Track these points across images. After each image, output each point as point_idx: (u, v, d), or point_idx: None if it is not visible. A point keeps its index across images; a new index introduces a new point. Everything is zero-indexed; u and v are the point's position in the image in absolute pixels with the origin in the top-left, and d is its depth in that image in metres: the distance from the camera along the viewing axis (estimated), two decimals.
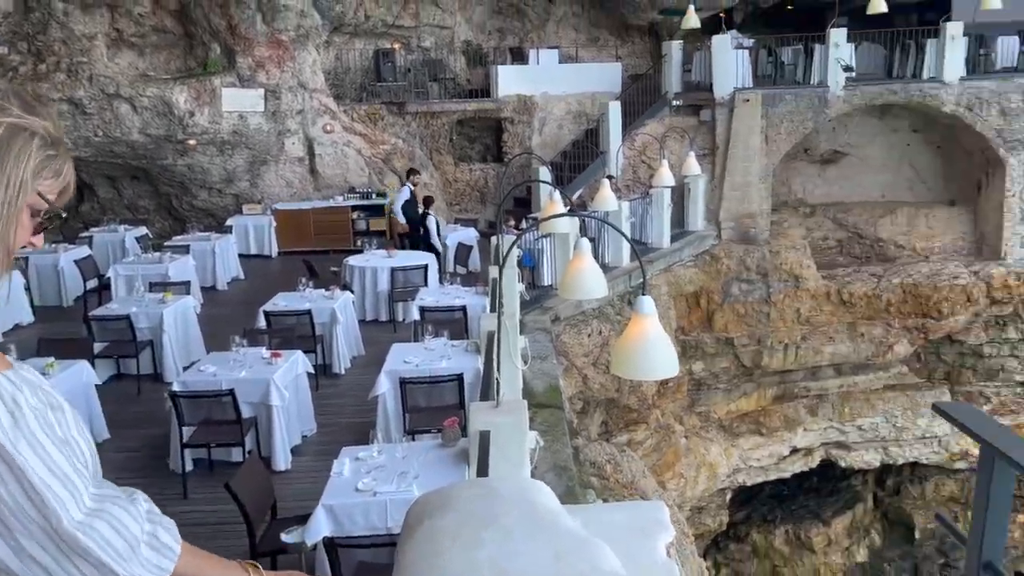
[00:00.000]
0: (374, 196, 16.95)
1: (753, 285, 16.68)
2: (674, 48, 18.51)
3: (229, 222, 16.00)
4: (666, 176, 14.95)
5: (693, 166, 15.78)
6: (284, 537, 5.22)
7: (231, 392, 7.08)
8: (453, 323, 9.66)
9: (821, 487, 18.90)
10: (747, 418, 17.27)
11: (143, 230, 15.26)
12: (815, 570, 17.75)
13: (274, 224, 16.22)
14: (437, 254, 13.62)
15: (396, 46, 19.18)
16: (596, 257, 7.03)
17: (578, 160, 18.39)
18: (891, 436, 17.63)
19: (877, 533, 18.94)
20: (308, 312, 9.63)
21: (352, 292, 11.38)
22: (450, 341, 8.47)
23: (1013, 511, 16.66)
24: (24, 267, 12.35)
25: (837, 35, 17.03)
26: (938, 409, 2.24)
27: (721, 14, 19.67)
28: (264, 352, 8.06)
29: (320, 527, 5.11)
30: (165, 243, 14.51)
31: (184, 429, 7.14)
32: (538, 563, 1.17)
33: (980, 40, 17.79)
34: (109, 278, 12.32)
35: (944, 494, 18.79)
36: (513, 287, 8.41)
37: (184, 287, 11.46)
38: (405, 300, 11.51)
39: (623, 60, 20.96)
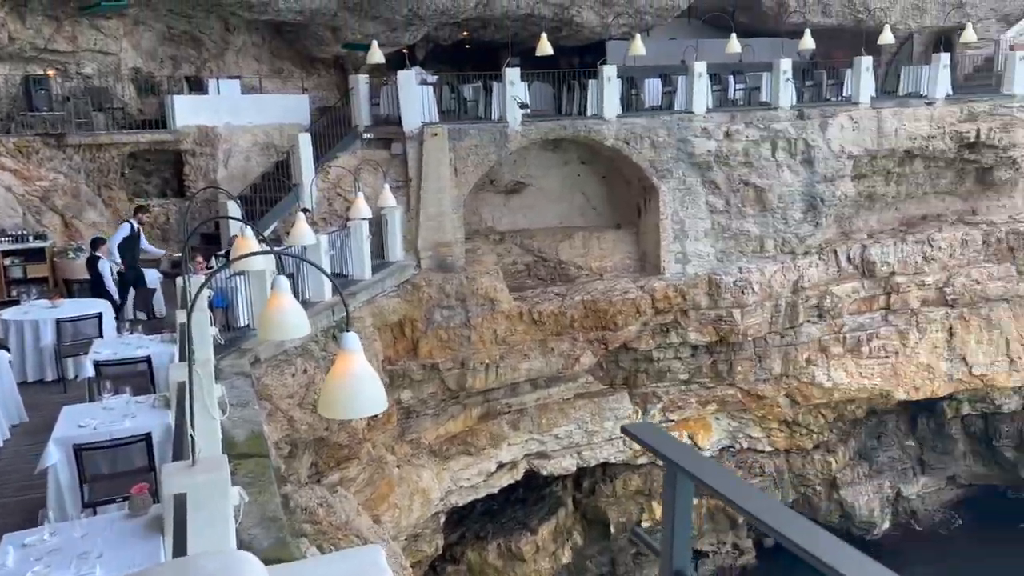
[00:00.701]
0: (31, 239, 14.93)
1: (453, 311, 17.25)
2: (360, 82, 18.66)
3: None
4: (362, 208, 15.06)
5: (389, 198, 16.02)
6: None
7: None
8: (136, 377, 8.75)
9: (527, 497, 19.98)
10: (456, 440, 17.75)
11: None
12: None
13: None
14: (113, 301, 12.33)
15: (51, 72, 17.14)
16: (296, 293, 6.79)
17: (270, 193, 17.75)
18: (584, 441, 19.15)
19: (579, 533, 20.42)
20: None
21: (8, 350, 9.86)
22: (134, 397, 7.67)
23: None
24: None
25: (512, 74, 18.31)
26: (626, 431, 2.40)
27: (404, 50, 20.25)
28: None
29: None
30: None
31: None
32: None
33: (631, 82, 20.20)
34: None
35: (632, 488, 20.78)
36: (205, 331, 7.84)
37: None
38: (76, 355, 10.23)
39: (310, 92, 20.69)
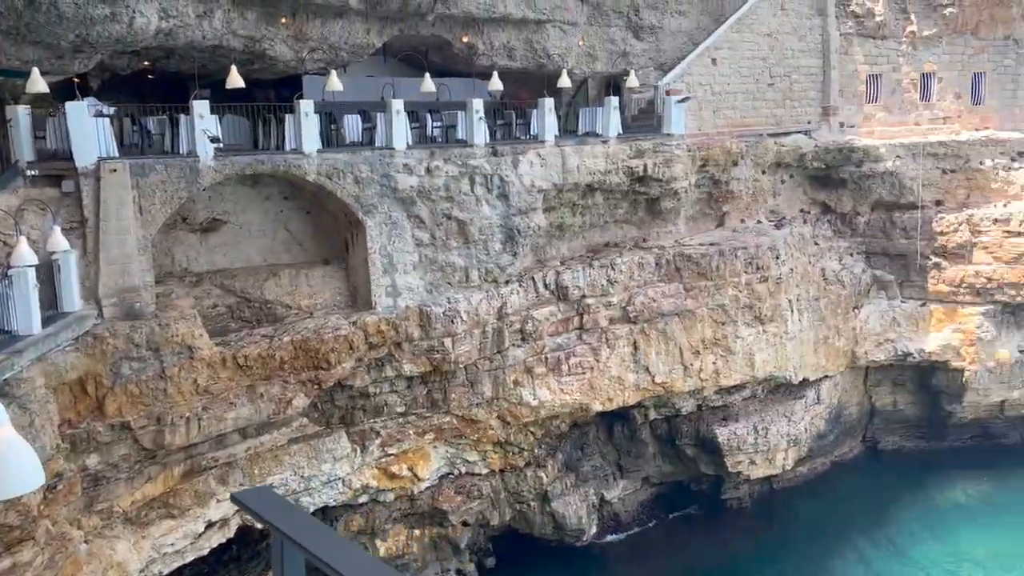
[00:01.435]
0: None
1: (145, 362, 15.77)
2: (20, 113, 16.54)
3: None
4: (26, 254, 13.43)
5: (60, 241, 14.42)
6: None
7: None
8: None
9: (241, 554, 18.75)
10: (156, 503, 16.20)
11: None
12: None
13: None
14: None
15: None
16: None
17: None
18: (301, 487, 18.43)
19: None
20: None
21: None
22: None
23: None
24: None
25: (201, 107, 17.32)
26: (235, 500, 2.25)
27: (75, 79, 18.34)
28: None
29: None
30: None
31: None
32: None
33: (331, 117, 20.05)
34: None
35: (354, 528, 20.36)
36: None
37: None
38: None
39: None
